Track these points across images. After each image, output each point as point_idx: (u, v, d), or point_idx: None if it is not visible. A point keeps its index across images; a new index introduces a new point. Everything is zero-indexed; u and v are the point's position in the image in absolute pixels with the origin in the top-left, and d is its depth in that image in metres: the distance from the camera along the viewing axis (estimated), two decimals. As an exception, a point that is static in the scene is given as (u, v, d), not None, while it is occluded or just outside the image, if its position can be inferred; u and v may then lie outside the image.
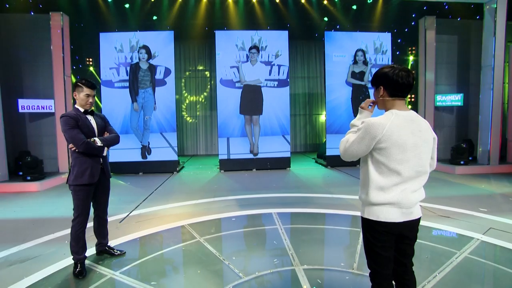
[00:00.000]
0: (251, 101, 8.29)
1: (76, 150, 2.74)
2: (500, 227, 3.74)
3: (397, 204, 1.51)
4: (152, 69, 7.94)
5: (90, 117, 2.87)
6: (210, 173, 8.06)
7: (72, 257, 2.83)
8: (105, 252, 3.18)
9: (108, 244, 3.23)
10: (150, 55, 7.91)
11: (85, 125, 2.78)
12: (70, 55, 7.58)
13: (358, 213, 4.17)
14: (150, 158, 8.11)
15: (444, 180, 6.70)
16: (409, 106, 10.43)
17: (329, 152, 8.61)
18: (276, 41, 8.26)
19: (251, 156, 8.40)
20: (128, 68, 7.88)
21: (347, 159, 1.64)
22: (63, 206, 5.13)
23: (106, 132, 2.99)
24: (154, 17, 9.86)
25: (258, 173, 8.01)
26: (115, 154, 7.94)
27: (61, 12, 7.14)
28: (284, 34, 8.28)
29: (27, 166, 6.47)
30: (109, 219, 3.41)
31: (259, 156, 8.40)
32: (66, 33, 7.29)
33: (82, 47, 9.57)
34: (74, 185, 2.77)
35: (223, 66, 8.17)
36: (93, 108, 2.94)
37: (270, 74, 8.29)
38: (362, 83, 8.60)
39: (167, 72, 7.99)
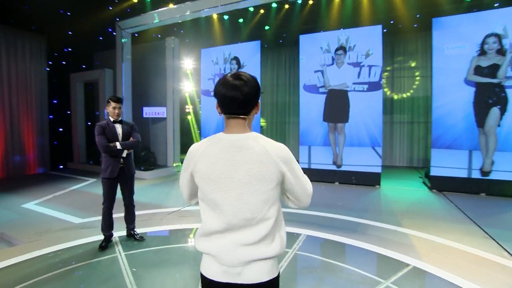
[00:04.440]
0: (336, 107, 7.81)
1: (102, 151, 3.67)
2: None
3: (216, 257, 1.18)
4: (241, 78, 8.77)
5: (118, 125, 3.72)
6: None
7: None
8: (130, 235, 4.02)
9: (134, 229, 4.04)
10: (239, 65, 8.78)
11: (111, 132, 3.65)
12: (179, 70, 9.43)
13: (398, 254, 3.52)
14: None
15: None
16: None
17: (434, 172, 7.02)
18: (367, 39, 7.43)
19: (334, 167, 7.92)
20: (222, 78, 9.01)
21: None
22: (156, 192, 6.58)
23: (131, 137, 3.80)
24: (266, 27, 10.82)
25: (341, 187, 7.45)
26: None
27: (173, 37, 8.99)
28: (377, 29, 7.34)
29: (142, 159, 8.58)
30: (162, 210, 4.61)
31: (343, 168, 7.80)
32: (176, 53, 9.12)
33: (187, 62, 11.57)
34: (101, 178, 3.72)
35: (307, 71, 8.07)
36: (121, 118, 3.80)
37: (358, 76, 7.55)
38: (494, 80, 6.51)
39: (253, 80, 8.64)
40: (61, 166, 9.91)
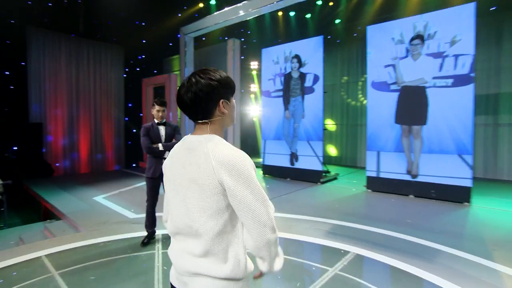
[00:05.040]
0: (411, 107, 6.72)
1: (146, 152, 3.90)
2: None
3: (173, 263, 1.18)
4: (302, 77, 8.27)
5: (161, 127, 3.89)
6: (354, 190, 7.34)
7: None
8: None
9: None
10: (300, 64, 8.29)
11: (154, 134, 3.83)
12: (241, 70, 9.38)
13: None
14: (297, 165, 8.50)
15: None
16: None
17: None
18: (452, 23, 6.19)
19: (408, 177, 6.82)
20: (283, 78, 8.64)
21: None
22: None
23: (174, 139, 3.94)
24: (337, 20, 10.10)
25: (415, 202, 6.35)
26: (269, 158, 8.98)
27: (234, 38, 8.99)
28: (468, 8, 6.04)
29: None
30: None
31: (420, 179, 6.65)
32: (237, 54, 9.11)
33: (246, 62, 11.41)
34: (145, 177, 3.93)
35: (375, 66, 7.15)
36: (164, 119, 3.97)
37: (440, 69, 6.35)
38: None
39: (315, 79, 8.06)
40: (134, 165, 10.82)
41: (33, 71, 8.46)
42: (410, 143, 6.74)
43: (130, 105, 10.72)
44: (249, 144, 11.74)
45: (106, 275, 3.21)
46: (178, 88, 1.20)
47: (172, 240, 1.19)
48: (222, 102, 1.14)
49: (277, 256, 1.16)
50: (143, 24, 9.86)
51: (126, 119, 10.42)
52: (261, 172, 9.33)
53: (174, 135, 3.95)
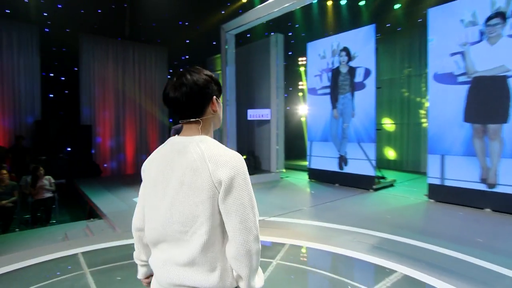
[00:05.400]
0: (487, 101, 5.79)
1: None
2: None
3: (155, 274, 1.15)
4: (352, 72, 7.67)
5: None
6: (413, 199, 6.56)
7: None
8: None
9: None
10: (350, 57, 7.68)
11: None
12: (284, 67, 9.05)
13: None
14: (347, 169, 7.91)
15: None
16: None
17: None
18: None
19: (483, 187, 5.85)
20: (330, 74, 8.09)
21: None
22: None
23: None
24: (396, 5, 9.20)
25: (493, 217, 5.44)
26: (315, 161, 8.57)
27: (277, 33, 8.69)
28: None
29: None
30: None
31: (500, 189, 5.67)
32: (280, 50, 8.82)
33: (294, 58, 10.88)
34: None
35: (438, 56, 6.31)
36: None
37: (526, 54, 5.30)
38: None
39: (366, 73, 7.40)
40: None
41: (84, 75, 9.26)
42: (484, 145, 5.77)
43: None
44: (296, 145, 11.32)
45: (131, 277, 3.25)
46: (167, 85, 1.14)
47: (153, 250, 1.16)
48: (215, 99, 1.15)
49: (257, 272, 1.11)
50: (187, 23, 10.09)
51: (170, 120, 10.76)
52: (306, 176, 8.88)
53: None
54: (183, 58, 11.25)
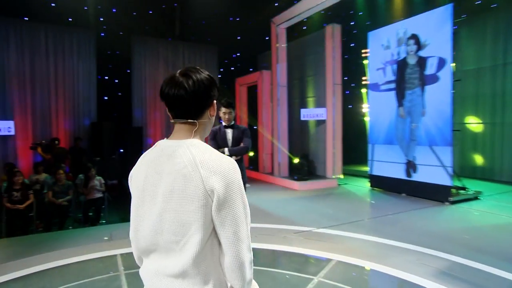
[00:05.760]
0: None
1: None
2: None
3: (145, 285, 1.16)
4: (422, 62, 7.00)
5: (229, 131, 3.96)
6: (504, 217, 5.70)
7: None
8: None
9: None
10: (419, 46, 7.02)
11: (221, 137, 3.94)
12: (342, 62, 8.58)
13: None
14: (416, 177, 7.26)
15: None
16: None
17: None
18: None
19: None
20: (395, 67, 7.48)
21: None
22: (298, 206, 6.55)
23: (241, 143, 3.95)
24: None
25: None
26: (378, 167, 8.08)
27: (333, 24, 8.30)
28: None
29: (295, 167, 8.48)
30: (291, 227, 4.90)
31: None
32: (337, 42, 8.42)
33: (357, 50, 10.15)
34: None
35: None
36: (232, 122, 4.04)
37: None
38: None
39: (440, 63, 6.68)
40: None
41: (136, 77, 9.95)
42: None
43: (228, 106, 11.29)
44: (357, 149, 10.69)
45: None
46: (166, 81, 1.12)
47: (144, 260, 1.17)
48: (215, 103, 1.17)
49: (252, 285, 1.13)
50: (238, 19, 10.17)
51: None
52: (367, 183, 8.31)
53: (241, 139, 3.92)
54: (234, 56, 11.37)
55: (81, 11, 8.97)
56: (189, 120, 1.12)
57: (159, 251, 1.09)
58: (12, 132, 8.28)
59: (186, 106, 1.10)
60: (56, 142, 8.23)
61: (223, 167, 1.04)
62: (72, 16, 9.08)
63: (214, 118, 1.21)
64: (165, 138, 1.16)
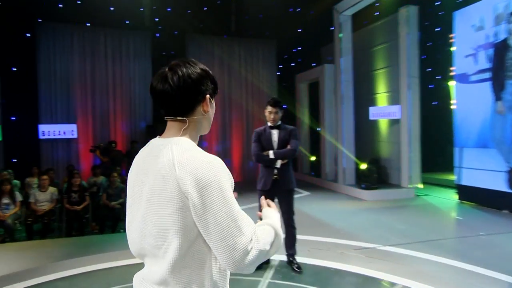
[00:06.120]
0: None
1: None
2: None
3: None
4: (528, 44, 5.89)
5: (274, 132, 3.85)
6: None
7: None
8: (289, 263, 4.05)
9: (293, 256, 4.03)
10: (524, 23, 5.92)
11: (266, 139, 3.85)
12: (425, 50, 7.82)
13: None
14: (522, 190, 6.18)
15: None
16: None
17: None
18: None
19: None
20: (492, 52, 6.49)
21: None
22: (362, 219, 6.17)
23: (288, 145, 3.84)
24: None
25: None
26: (468, 175, 7.17)
27: (408, 5, 7.59)
28: None
29: (362, 174, 7.91)
30: (352, 243, 4.69)
31: None
32: (413, 27, 7.72)
33: (443, 36, 8.95)
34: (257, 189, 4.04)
35: None
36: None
37: None
38: None
39: (555, 43, 5.52)
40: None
41: None
42: None
43: (284, 106, 10.99)
44: (441, 153, 9.63)
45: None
46: (155, 75, 1.14)
47: (143, 264, 1.22)
48: (208, 98, 1.16)
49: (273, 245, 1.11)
50: (298, 10, 9.86)
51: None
52: (455, 195, 7.38)
53: (288, 140, 3.83)
54: (294, 50, 11.07)
55: (138, 12, 9.53)
56: (178, 118, 1.13)
57: (148, 256, 1.11)
58: (75, 135, 9.08)
59: (171, 103, 1.11)
60: (113, 145, 8.81)
61: (199, 167, 1.01)
62: (129, 18, 9.69)
63: (210, 114, 1.19)
64: (157, 137, 1.18)
